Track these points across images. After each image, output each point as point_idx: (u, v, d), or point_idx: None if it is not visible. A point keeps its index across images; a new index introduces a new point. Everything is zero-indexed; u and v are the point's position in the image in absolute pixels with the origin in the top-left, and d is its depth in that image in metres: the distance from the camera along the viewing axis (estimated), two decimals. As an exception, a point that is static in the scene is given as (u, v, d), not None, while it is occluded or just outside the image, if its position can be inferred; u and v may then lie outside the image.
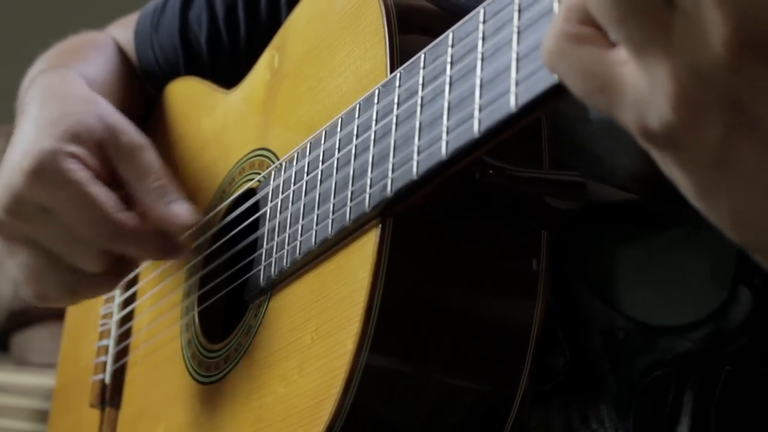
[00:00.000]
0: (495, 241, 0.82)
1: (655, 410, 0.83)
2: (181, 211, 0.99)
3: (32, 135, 1.00)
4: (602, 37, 0.55)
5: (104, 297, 1.24)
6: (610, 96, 0.54)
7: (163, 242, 0.99)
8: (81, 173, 0.96)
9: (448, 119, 0.72)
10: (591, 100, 0.55)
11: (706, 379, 0.82)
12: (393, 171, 0.77)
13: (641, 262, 0.85)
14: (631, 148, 0.84)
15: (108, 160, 1.01)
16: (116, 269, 1.01)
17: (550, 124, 0.84)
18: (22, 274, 1.02)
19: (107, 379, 1.19)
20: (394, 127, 0.78)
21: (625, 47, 0.53)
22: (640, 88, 0.53)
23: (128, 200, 1.01)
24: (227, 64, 1.20)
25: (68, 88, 1.11)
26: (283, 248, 0.90)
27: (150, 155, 1.02)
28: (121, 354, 1.18)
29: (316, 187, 0.87)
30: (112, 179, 1.01)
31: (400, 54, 0.83)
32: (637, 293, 0.84)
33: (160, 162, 1.02)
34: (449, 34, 0.74)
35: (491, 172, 0.80)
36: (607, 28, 0.53)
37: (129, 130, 1.03)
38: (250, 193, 1.00)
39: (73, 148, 0.98)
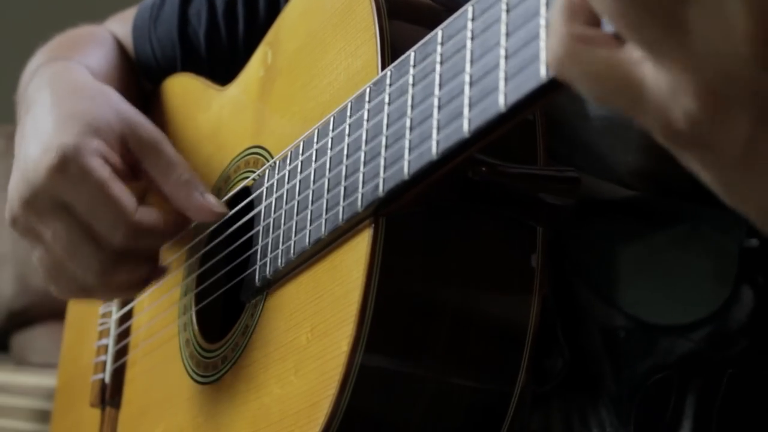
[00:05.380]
0: (489, 238, 0.82)
1: (656, 414, 0.82)
2: (214, 201, 0.99)
3: (51, 129, 0.99)
4: (612, 37, 0.53)
5: (104, 296, 1.24)
6: (628, 97, 0.52)
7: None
8: (103, 171, 0.96)
9: (438, 118, 0.72)
10: (608, 103, 0.53)
11: (708, 383, 0.81)
12: (385, 170, 0.77)
13: (642, 260, 0.84)
14: (632, 144, 0.83)
15: (128, 153, 1.01)
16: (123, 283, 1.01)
17: (547, 121, 0.83)
18: (40, 270, 1.02)
19: (107, 379, 1.18)
20: (385, 126, 0.78)
21: (639, 48, 0.51)
22: (660, 87, 0.51)
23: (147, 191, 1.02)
24: (225, 60, 1.20)
25: (77, 79, 1.11)
26: (278, 248, 0.89)
27: (170, 148, 1.03)
28: (121, 353, 1.18)
29: (309, 186, 0.86)
30: (131, 172, 1.02)
31: (391, 50, 0.82)
32: (638, 292, 0.84)
33: (180, 155, 1.03)
34: (438, 32, 0.74)
35: (483, 169, 0.79)
36: (619, 32, 0.51)
37: (146, 124, 1.03)
38: (246, 191, 0.99)
39: (96, 144, 0.98)
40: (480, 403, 0.82)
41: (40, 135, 1.00)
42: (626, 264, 0.84)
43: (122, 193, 0.96)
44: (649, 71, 0.51)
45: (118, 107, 1.04)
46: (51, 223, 0.97)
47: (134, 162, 1.02)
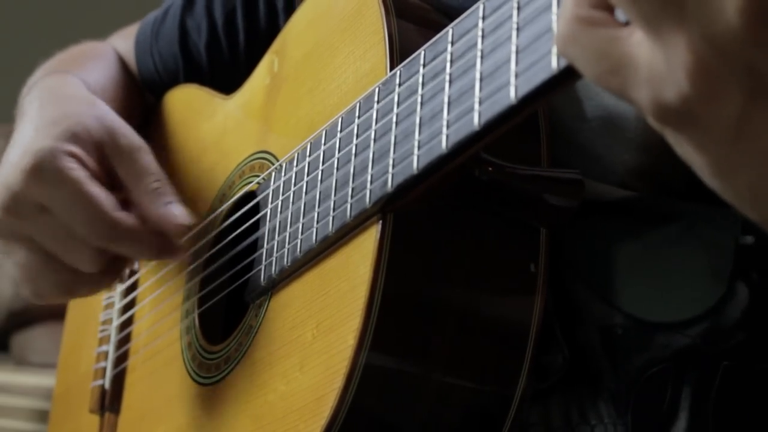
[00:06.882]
0: (494, 238, 0.83)
1: (653, 406, 0.84)
2: (178, 211, 1.00)
3: (31, 134, 1.01)
4: (614, 19, 0.55)
5: (104, 303, 1.25)
6: (623, 76, 0.54)
7: (159, 241, 1.00)
8: (79, 172, 0.97)
9: (448, 113, 0.73)
10: (604, 82, 0.55)
11: (704, 375, 0.83)
12: (393, 166, 0.78)
13: (638, 259, 0.85)
14: (630, 143, 0.85)
15: (106, 161, 1.03)
16: (113, 268, 1.02)
17: (548, 123, 0.85)
18: (19, 273, 1.03)
19: (107, 385, 1.19)
20: (394, 124, 0.79)
21: (638, 24, 0.53)
22: (655, 64, 0.52)
23: (126, 202, 1.02)
24: (226, 71, 1.21)
25: (68, 90, 1.13)
26: (284, 247, 0.90)
27: (148, 158, 1.03)
28: (121, 359, 1.18)
29: (316, 186, 0.87)
30: (110, 180, 1.02)
31: (399, 54, 0.84)
32: (634, 290, 0.85)
33: (158, 165, 1.03)
34: (449, 31, 0.75)
35: (490, 169, 0.80)
36: (618, 6, 0.53)
37: (127, 132, 1.04)
38: (250, 195, 1.00)
39: (72, 148, 0.99)
40: (482, 400, 0.83)
41: (21, 141, 1.02)
42: (622, 262, 0.85)
43: (98, 192, 0.97)
44: (646, 50, 0.53)
45: (100, 115, 1.05)
46: (39, 223, 0.99)
47: (112, 170, 1.03)
